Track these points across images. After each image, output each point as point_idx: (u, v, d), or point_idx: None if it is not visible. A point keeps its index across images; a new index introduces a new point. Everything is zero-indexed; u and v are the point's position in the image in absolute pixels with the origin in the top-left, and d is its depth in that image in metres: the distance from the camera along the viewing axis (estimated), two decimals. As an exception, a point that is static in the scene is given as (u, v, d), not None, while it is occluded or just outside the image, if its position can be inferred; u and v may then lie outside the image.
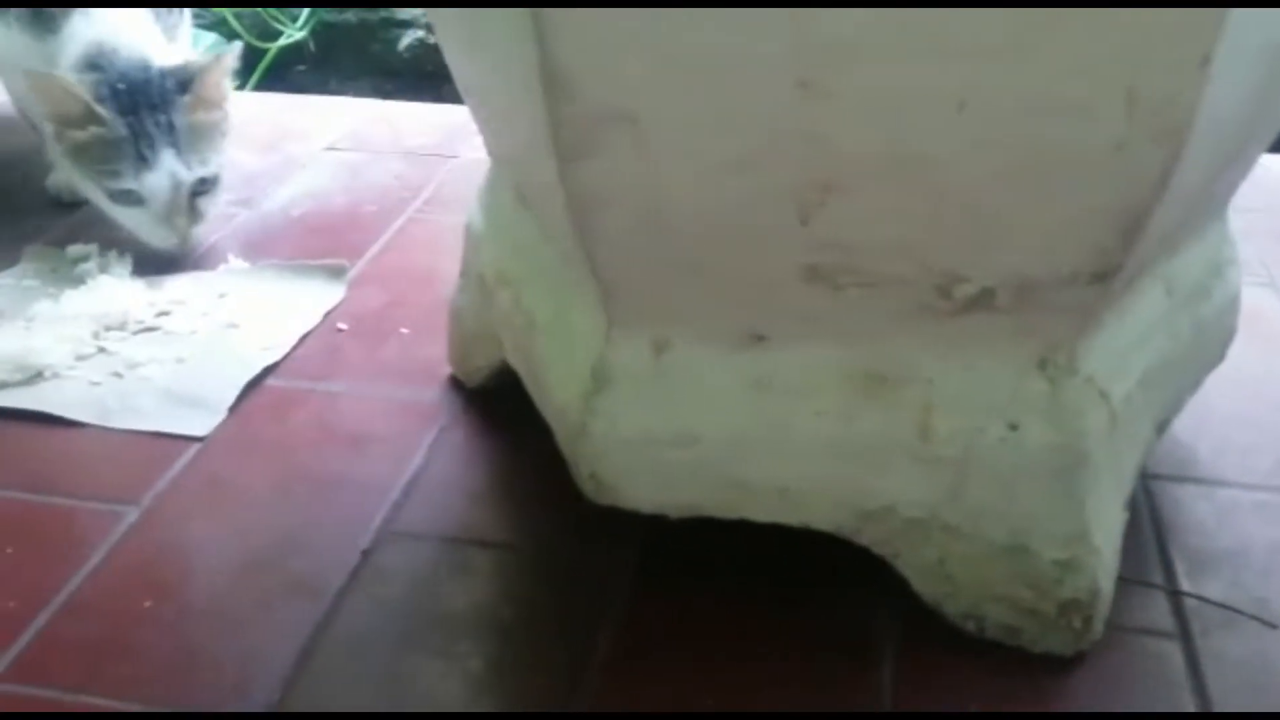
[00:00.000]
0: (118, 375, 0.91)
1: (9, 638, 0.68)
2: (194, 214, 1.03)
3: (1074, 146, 0.53)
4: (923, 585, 0.66)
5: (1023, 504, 0.63)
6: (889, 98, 0.52)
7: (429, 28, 1.70)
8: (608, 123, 0.54)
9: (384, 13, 1.71)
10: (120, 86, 1.00)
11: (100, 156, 1.01)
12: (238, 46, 1.07)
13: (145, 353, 0.93)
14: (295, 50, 1.68)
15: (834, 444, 0.64)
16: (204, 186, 1.03)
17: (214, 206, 1.06)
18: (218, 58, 1.04)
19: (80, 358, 0.92)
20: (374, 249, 1.10)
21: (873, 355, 0.63)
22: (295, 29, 1.66)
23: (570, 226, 0.60)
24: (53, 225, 1.11)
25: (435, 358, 0.93)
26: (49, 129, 1.03)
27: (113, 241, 1.06)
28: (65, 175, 1.10)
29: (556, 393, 0.70)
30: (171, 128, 1.00)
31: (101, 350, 0.93)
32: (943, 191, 0.55)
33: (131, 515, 0.78)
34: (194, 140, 1.02)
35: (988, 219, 0.56)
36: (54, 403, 0.87)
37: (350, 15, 1.70)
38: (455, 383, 0.91)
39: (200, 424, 0.85)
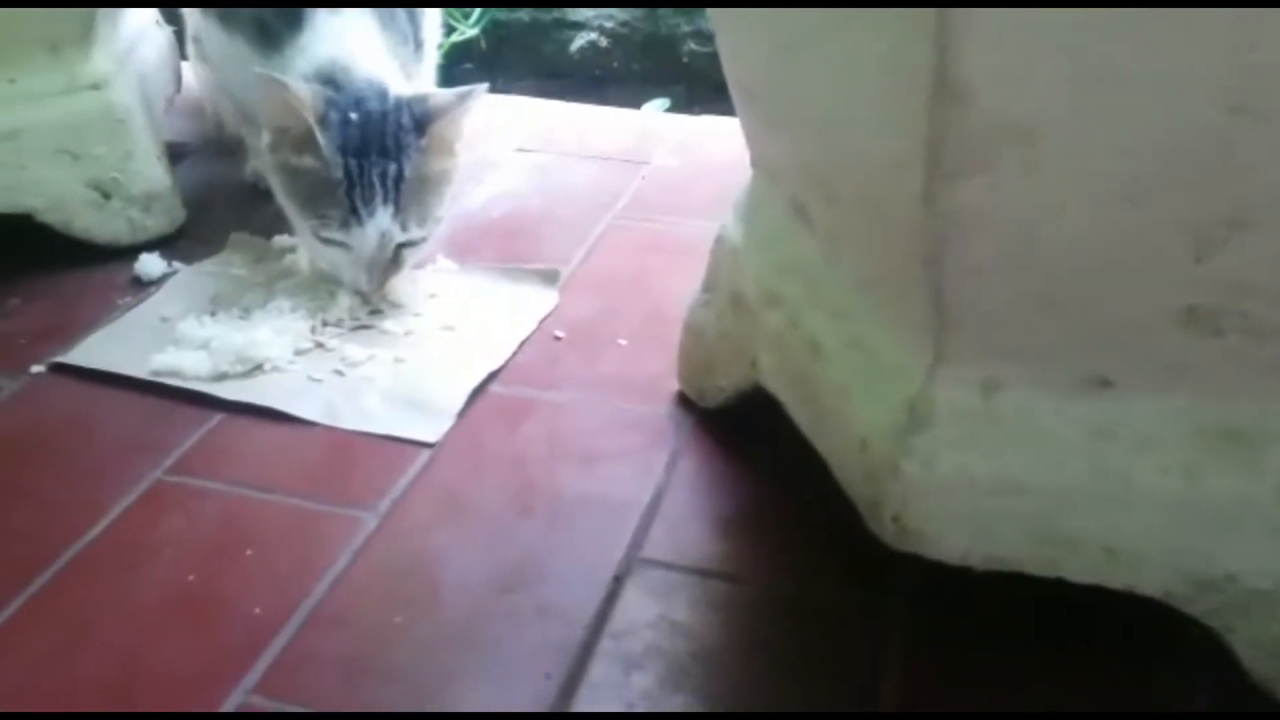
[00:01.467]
0: (338, 373, 0.87)
1: (258, 647, 0.65)
2: (395, 265, 0.92)
3: None
4: (1256, 664, 0.60)
5: (1392, 585, 0.57)
6: (1335, 127, 0.46)
7: (602, 30, 1.67)
8: (1001, 138, 0.49)
9: (557, 13, 1.67)
10: (352, 116, 0.88)
11: (309, 192, 0.90)
12: (483, 86, 0.93)
13: (363, 351, 0.89)
14: (465, 48, 1.65)
15: (1177, 504, 0.58)
16: (413, 241, 0.92)
17: (419, 256, 0.95)
18: (461, 97, 0.91)
19: (299, 352, 0.89)
20: (579, 254, 1.06)
21: (1234, 410, 0.57)
22: (468, 26, 1.63)
23: (918, 250, 0.55)
24: (253, 213, 1.08)
25: (658, 372, 0.89)
26: (265, 136, 0.92)
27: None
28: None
29: (853, 427, 0.64)
30: (399, 180, 0.88)
31: (320, 346, 0.90)
32: (1374, 235, 0.49)
33: (370, 522, 0.74)
34: (419, 194, 0.90)
35: None
36: (278, 398, 0.84)
37: (523, 14, 1.67)
38: (683, 400, 0.86)
39: (430, 429, 0.82)
